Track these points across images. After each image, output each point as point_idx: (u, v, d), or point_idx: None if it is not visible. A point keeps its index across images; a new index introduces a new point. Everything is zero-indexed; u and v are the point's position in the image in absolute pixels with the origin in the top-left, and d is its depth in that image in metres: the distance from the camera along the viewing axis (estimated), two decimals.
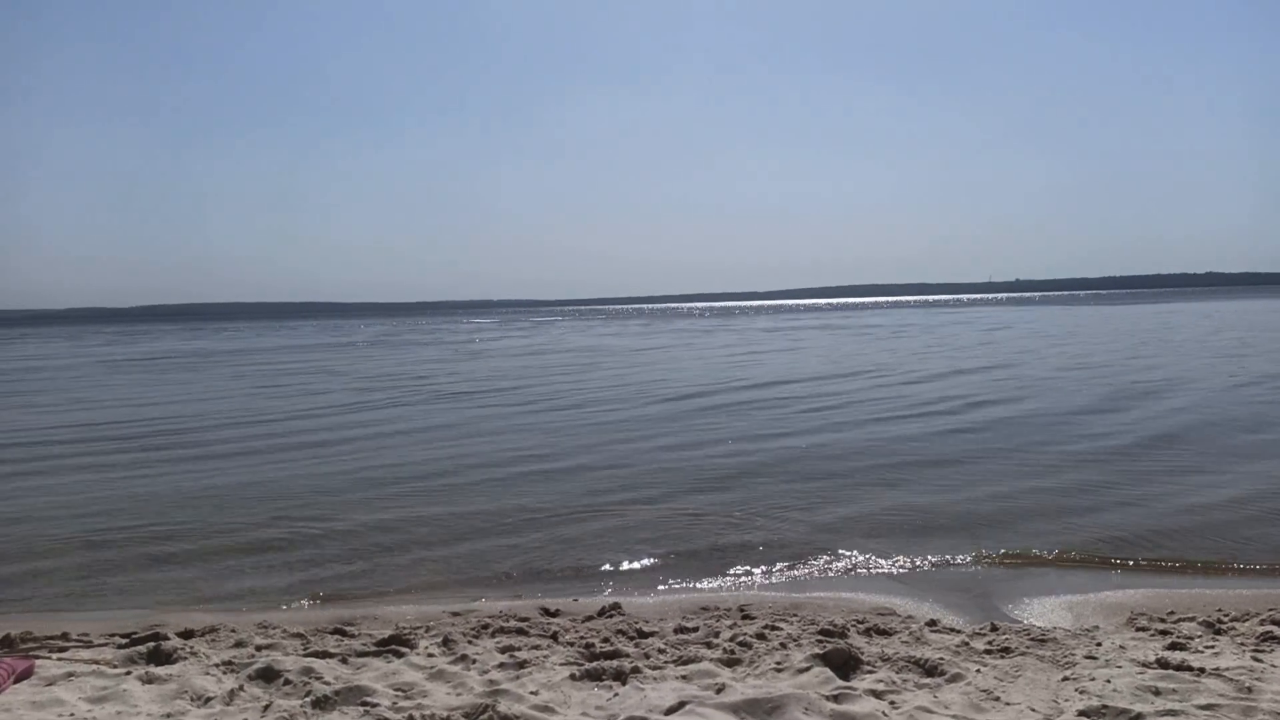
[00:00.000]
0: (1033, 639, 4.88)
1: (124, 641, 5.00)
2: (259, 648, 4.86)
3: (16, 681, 4.30)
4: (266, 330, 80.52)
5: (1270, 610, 5.23)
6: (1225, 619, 5.15)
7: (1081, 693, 4.07)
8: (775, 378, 21.54)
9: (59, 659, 4.70)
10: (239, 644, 4.94)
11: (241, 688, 4.20)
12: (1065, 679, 4.27)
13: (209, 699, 4.09)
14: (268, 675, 4.32)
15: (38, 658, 4.66)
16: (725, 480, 9.62)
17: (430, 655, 4.71)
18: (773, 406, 16.09)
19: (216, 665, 4.51)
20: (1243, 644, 4.72)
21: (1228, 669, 4.26)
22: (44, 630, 5.26)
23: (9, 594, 6.51)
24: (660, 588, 6.27)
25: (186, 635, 5.11)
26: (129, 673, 4.44)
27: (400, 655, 4.69)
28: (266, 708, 3.97)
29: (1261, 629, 4.89)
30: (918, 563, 6.66)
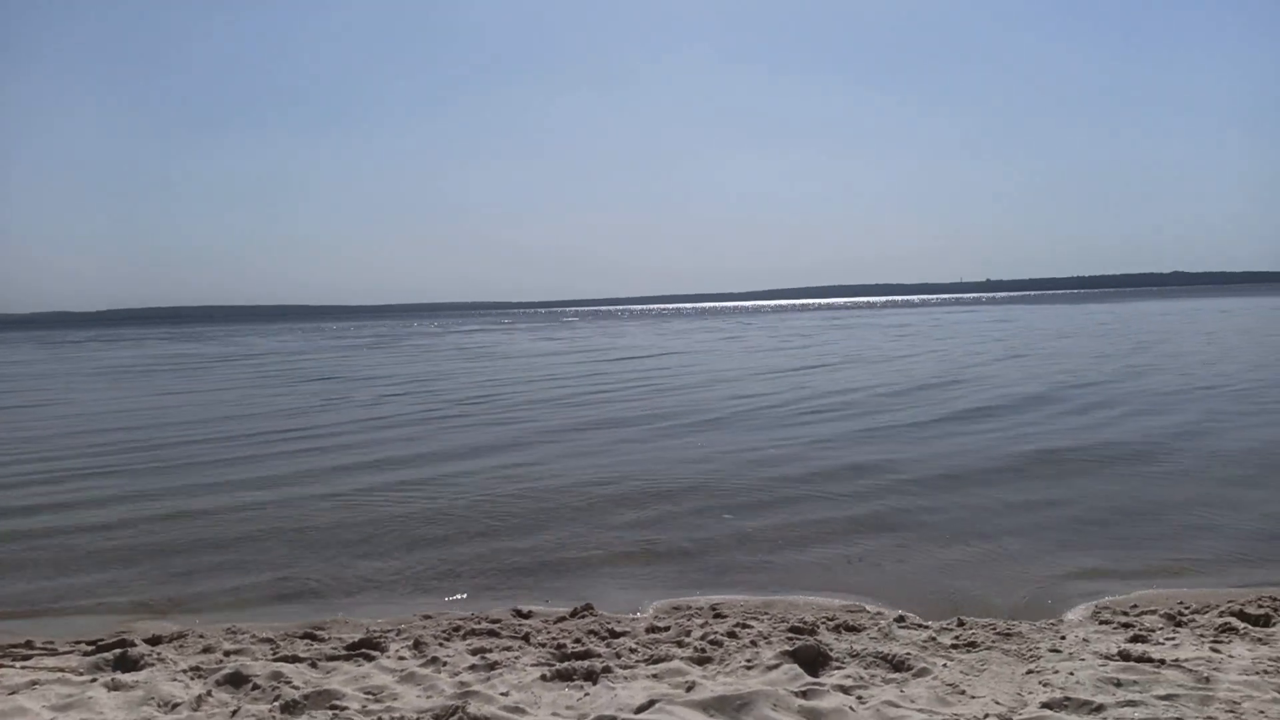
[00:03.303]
0: (998, 633, 4.95)
1: (90, 649, 4.95)
2: (227, 653, 4.82)
3: None
4: (251, 333, 78.68)
5: (1229, 602, 5.33)
6: (1186, 611, 5.25)
7: (1045, 685, 4.14)
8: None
9: (22, 667, 4.64)
10: (207, 650, 4.91)
11: (209, 693, 4.18)
12: (1029, 672, 4.35)
13: (176, 704, 4.06)
14: (236, 680, 4.30)
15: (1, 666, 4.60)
16: (683, 487, 9.66)
17: (401, 658, 4.70)
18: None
19: (184, 671, 4.48)
20: (1202, 636, 4.82)
21: (1187, 660, 4.35)
22: (5, 639, 5.20)
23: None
24: (633, 588, 6.28)
25: (154, 642, 5.06)
26: (95, 680, 4.40)
27: (370, 659, 4.68)
28: (235, 713, 3.95)
29: (1220, 620, 4.99)
30: (895, 560, 6.71)
